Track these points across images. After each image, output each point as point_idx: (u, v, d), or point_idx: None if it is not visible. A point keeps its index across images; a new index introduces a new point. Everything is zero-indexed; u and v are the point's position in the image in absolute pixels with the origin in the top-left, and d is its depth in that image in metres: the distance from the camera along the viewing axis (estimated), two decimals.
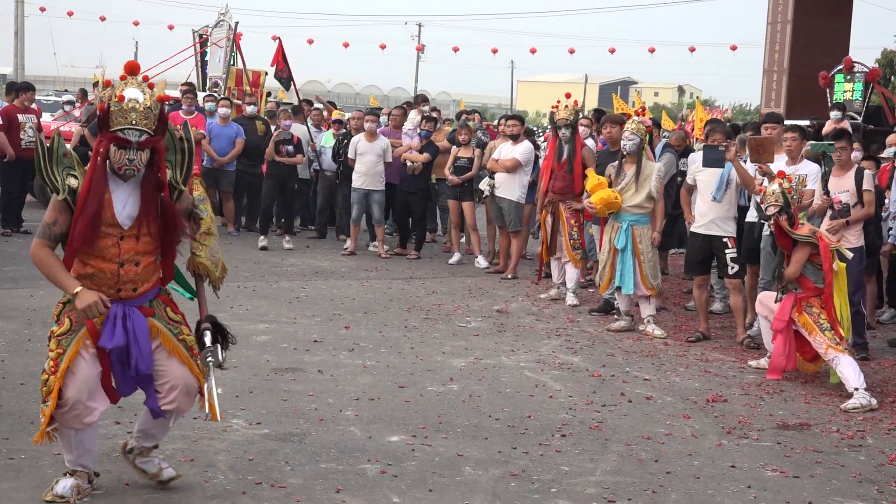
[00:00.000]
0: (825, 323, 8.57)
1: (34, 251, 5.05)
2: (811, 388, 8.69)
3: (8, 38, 50.78)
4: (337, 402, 7.46)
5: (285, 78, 19.34)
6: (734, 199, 10.29)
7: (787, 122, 11.66)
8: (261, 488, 5.68)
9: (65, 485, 5.20)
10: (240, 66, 21.26)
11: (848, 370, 8.34)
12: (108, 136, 4.95)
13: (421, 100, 17.73)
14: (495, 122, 17.61)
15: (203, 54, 21.35)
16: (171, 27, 39.38)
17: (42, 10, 48.74)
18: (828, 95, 18.35)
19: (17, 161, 14.53)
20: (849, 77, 17.83)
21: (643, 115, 11.20)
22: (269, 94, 20.60)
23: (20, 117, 14.93)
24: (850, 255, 9.08)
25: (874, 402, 8.14)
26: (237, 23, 21.94)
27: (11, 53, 49.20)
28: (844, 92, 17.86)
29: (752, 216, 10.41)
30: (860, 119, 16.95)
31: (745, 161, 10.13)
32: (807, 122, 15.41)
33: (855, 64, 17.81)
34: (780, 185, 8.72)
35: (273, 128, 15.98)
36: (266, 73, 22.47)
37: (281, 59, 19.29)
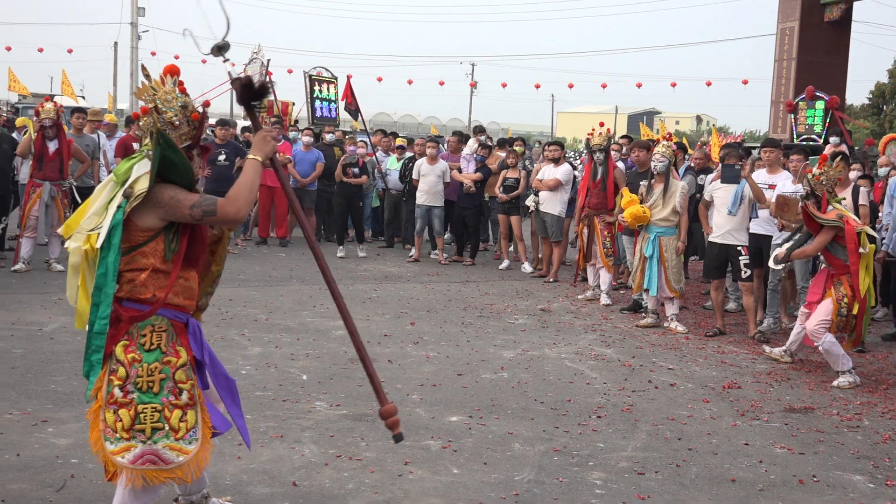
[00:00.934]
0: (844, 309, 8.34)
1: (231, 204, 4.05)
2: (814, 376, 8.59)
3: (125, 78, 51.59)
4: (404, 387, 7.50)
5: (353, 110, 19.68)
6: (747, 213, 10.22)
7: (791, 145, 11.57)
8: (340, 461, 5.72)
9: None
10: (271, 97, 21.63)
11: (835, 350, 8.37)
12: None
13: (478, 130, 17.81)
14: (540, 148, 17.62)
15: (313, 93, 21.60)
16: (289, 70, 39.56)
17: (153, 54, 49.38)
18: (792, 121, 18.18)
19: None
20: (810, 104, 17.64)
21: (671, 140, 11.23)
22: (295, 121, 20.88)
23: (135, 146, 15.12)
24: (874, 234, 8.94)
25: (858, 381, 8.27)
26: (269, 60, 22.24)
27: (128, 91, 49.91)
28: (807, 118, 17.67)
29: (755, 227, 10.42)
30: (820, 141, 16.79)
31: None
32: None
33: (816, 92, 17.66)
34: (809, 171, 8.61)
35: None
36: (293, 104, 22.87)
37: (349, 94, 19.63)
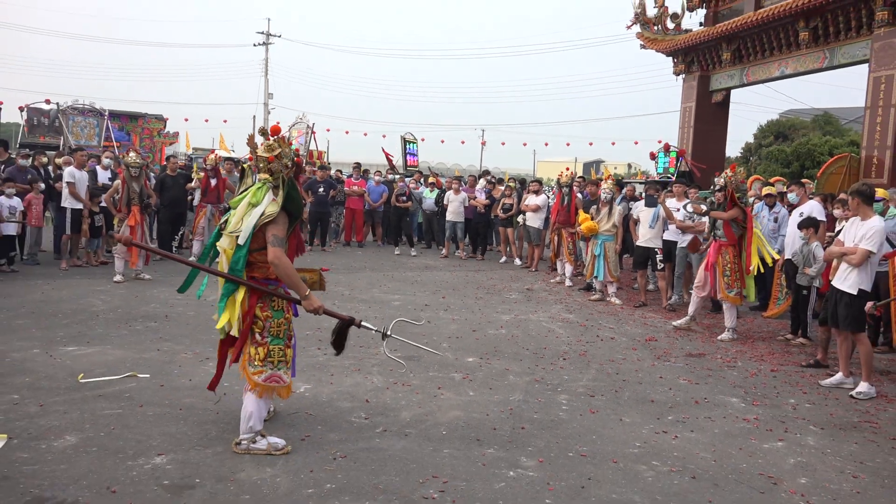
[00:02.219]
0: (728, 270, 8.23)
1: (282, 257, 4.03)
2: (706, 334, 8.50)
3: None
4: (438, 338, 7.47)
5: (392, 164, 19.55)
6: (661, 227, 10.17)
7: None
8: (396, 386, 5.70)
9: (273, 440, 4.23)
10: (312, 147, 21.87)
11: (729, 312, 8.30)
12: (300, 179, 4.49)
13: (485, 173, 17.86)
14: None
15: (405, 148, 21.50)
16: (365, 134, 39.36)
17: (277, 122, 49.44)
18: (654, 165, 18.05)
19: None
20: (666, 154, 17.40)
21: (612, 179, 11.25)
22: (319, 164, 20.88)
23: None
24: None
25: (735, 336, 8.21)
26: (313, 123, 22.25)
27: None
28: (665, 162, 17.39)
29: (667, 236, 10.28)
30: (673, 178, 16.56)
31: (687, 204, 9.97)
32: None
33: (670, 145, 17.44)
34: (725, 174, 8.48)
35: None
36: (325, 152, 22.89)
37: (389, 155, 19.54)
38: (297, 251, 4.45)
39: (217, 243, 4.29)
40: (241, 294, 4.18)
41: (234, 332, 4.21)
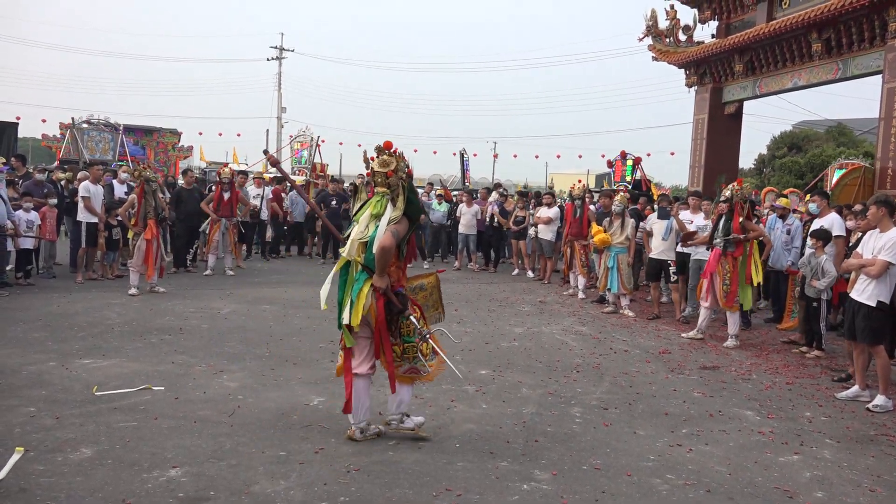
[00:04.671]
0: (728, 280, 8.40)
1: (391, 245, 4.37)
2: (719, 345, 8.46)
3: (272, 152, 51.73)
4: (451, 350, 7.41)
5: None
6: (674, 239, 10.15)
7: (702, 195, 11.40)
8: (412, 399, 5.69)
9: (417, 419, 4.80)
10: (317, 161, 21.97)
11: (731, 320, 8.47)
12: None
13: (497, 186, 17.89)
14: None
15: (463, 162, 21.52)
16: (415, 150, 39.35)
17: (291, 136, 49.47)
18: (613, 173, 18.05)
19: None
20: (623, 162, 17.36)
21: (625, 192, 11.25)
22: (332, 177, 20.82)
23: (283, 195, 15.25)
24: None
25: (738, 342, 8.39)
26: (318, 136, 22.49)
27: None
28: (622, 170, 17.37)
29: (680, 248, 10.21)
30: (630, 187, 16.49)
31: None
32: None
33: (627, 154, 17.41)
34: (732, 187, 8.62)
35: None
36: (328, 165, 23.19)
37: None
38: (410, 258, 4.74)
39: (342, 252, 4.58)
40: (365, 289, 4.47)
41: (354, 324, 4.48)
